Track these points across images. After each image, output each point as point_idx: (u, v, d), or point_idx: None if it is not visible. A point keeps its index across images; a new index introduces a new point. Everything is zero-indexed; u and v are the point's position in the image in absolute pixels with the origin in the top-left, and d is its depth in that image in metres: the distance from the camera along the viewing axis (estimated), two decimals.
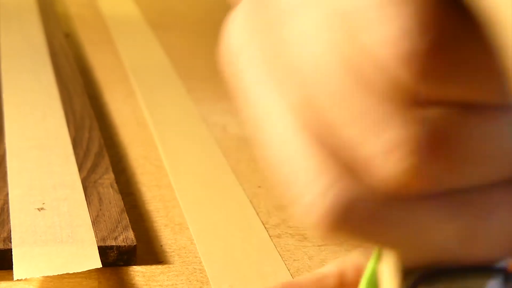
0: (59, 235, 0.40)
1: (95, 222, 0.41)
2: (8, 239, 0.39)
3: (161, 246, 0.42)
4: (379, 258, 0.29)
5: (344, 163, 0.22)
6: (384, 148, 0.21)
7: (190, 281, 0.38)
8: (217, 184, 0.48)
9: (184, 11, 0.90)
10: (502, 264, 0.30)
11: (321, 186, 0.22)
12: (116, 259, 0.39)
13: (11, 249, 0.38)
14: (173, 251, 0.41)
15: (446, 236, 0.23)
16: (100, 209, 0.43)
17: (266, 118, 0.24)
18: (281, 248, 0.42)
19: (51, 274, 0.37)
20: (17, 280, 0.37)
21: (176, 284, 0.38)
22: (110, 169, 0.48)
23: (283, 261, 0.40)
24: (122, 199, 0.44)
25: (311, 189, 0.22)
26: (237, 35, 0.24)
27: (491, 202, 0.22)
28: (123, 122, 0.58)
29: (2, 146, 0.50)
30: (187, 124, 0.58)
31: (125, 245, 0.39)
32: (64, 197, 0.44)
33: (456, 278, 0.30)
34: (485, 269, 0.30)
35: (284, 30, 0.22)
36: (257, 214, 0.45)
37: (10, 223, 0.41)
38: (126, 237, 0.40)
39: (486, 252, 0.24)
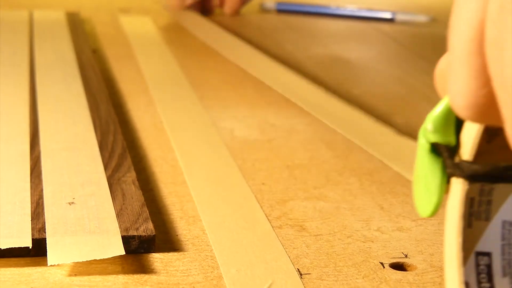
0: (87, 226, 0.40)
1: (119, 215, 0.41)
2: (43, 229, 0.39)
3: (177, 236, 0.42)
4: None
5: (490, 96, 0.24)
6: None
7: (202, 266, 0.38)
8: (226, 181, 0.48)
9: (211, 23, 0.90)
10: None
11: (466, 104, 0.24)
12: (137, 247, 0.39)
13: (46, 238, 0.38)
14: (187, 240, 0.41)
15: None
16: (123, 203, 0.43)
17: (460, 13, 0.24)
18: (282, 238, 0.42)
19: (80, 260, 0.37)
20: (51, 265, 0.37)
21: (190, 269, 0.38)
22: (132, 168, 0.48)
23: (284, 248, 0.40)
24: (143, 194, 0.44)
25: (461, 98, 0.24)
26: None
27: None
28: (143, 127, 0.58)
29: (37, 148, 0.50)
30: (199, 128, 0.58)
31: (145, 235, 0.39)
32: (91, 193, 0.44)
33: None
34: None
35: None
36: (261, 207, 0.45)
37: (44, 215, 0.41)
38: (146, 228, 0.40)
39: None
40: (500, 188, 0.29)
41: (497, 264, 0.29)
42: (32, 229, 0.39)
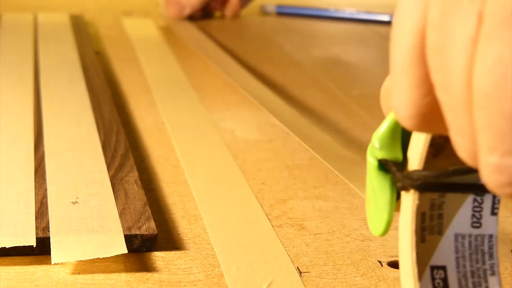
0: (91, 225, 0.40)
1: (121, 214, 0.41)
2: (47, 228, 0.39)
3: (179, 234, 0.42)
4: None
5: (432, 106, 0.23)
6: (492, 167, 0.20)
7: (203, 265, 0.38)
8: (227, 181, 0.48)
9: (197, 33, 0.90)
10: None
11: (408, 114, 0.24)
12: (139, 246, 0.39)
13: (49, 237, 0.38)
14: (189, 239, 0.41)
15: None
16: (126, 203, 0.43)
17: (401, 23, 0.24)
18: (282, 236, 0.42)
19: (83, 258, 0.37)
20: (55, 264, 0.37)
21: (191, 268, 0.38)
22: (135, 168, 0.48)
23: (284, 247, 0.40)
24: (145, 194, 0.44)
25: (404, 108, 0.24)
26: None
27: None
28: (145, 128, 0.58)
29: (41, 148, 0.50)
30: (200, 129, 0.58)
31: (147, 234, 0.39)
32: (95, 192, 0.44)
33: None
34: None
35: None
36: (261, 207, 0.45)
37: (48, 214, 0.41)
38: (148, 227, 0.40)
39: None
40: (450, 201, 0.29)
41: (453, 277, 0.29)
42: (36, 228, 0.39)
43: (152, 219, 0.41)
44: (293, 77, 0.74)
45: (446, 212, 0.29)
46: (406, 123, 0.24)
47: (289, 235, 0.42)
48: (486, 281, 0.29)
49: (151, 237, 0.39)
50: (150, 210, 0.42)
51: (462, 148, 0.22)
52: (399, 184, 0.29)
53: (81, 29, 0.86)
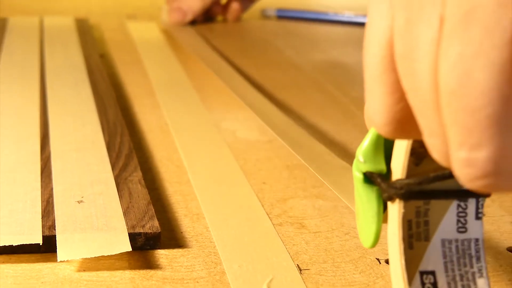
0: (96, 223, 0.40)
1: (126, 213, 0.41)
2: (53, 227, 0.39)
3: (181, 233, 0.42)
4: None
5: (405, 115, 0.24)
6: (464, 162, 0.20)
7: (206, 262, 0.38)
8: (228, 181, 0.48)
9: (200, 38, 0.91)
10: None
11: (383, 120, 0.24)
12: (143, 244, 0.39)
13: (55, 235, 0.39)
14: (191, 237, 0.41)
15: None
16: (130, 202, 0.43)
17: (372, 34, 0.24)
18: (282, 235, 0.42)
19: (89, 256, 0.37)
20: (60, 261, 0.37)
21: (194, 265, 0.38)
22: (138, 168, 0.48)
23: (284, 245, 0.40)
24: (148, 193, 0.44)
25: (378, 114, 0.24)
26: None
27: None
28: (149, 129, 0.58)
29: (47, 149, 0.50)
30: (202, 130, 0.58)
31: (151, 232, 0.39)
32: (99, 191, 0.44)
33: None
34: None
35: None
36: (262, 206, 0.45)
37: (54, 213, 0.41)
38: (152, 225, 0.40)
39: None
40: (434, 208, 0.29)
41: (442, 281, 0.29)
42: (43, 226, 0.39)
43: (155, 218, 0.41)
44: (293, 79, 0.74)
45: (432, 218, 0.29)
46: (383, 131, 0.25)
47: (289, 233, 0.42)
48: (475, 284, 0.29)
49: (154, 235, 0.39)
50: (153, 209, 0.42)
51: (435, 149, 0.23)
52: (385, 195, 0.29)
53: (86, 33, 0.86)
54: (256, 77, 0.74)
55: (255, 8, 1.05)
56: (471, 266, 0.29)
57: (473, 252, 0.29)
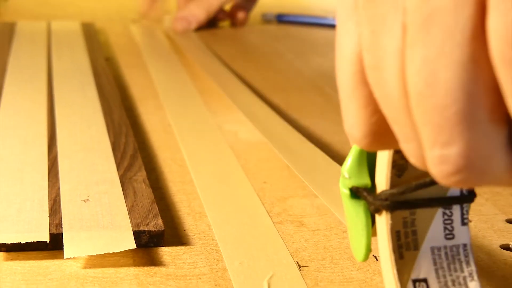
0: (101, 222, 0.40)
1: (130, 211, 0.41)
2: (60, 225, 0.39)
3: (184, 230, 0.42)
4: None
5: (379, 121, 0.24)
6: (438, 159, 0.21)
7: (208, 259, 0.38)
8: (230, 180, 0.48)
9: (202, 42, 0.91)
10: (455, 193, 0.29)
11: (361, 133, 0.24)
12: (147, 241, 0.39)
13: (62, 233, 0.39)
14: (194, 235, 0.41)
15: None
16: (135, 201, 0.43)
17: (342, 51, 0.24)
18: (282, 232, 0.42)
19: (94, 253, 0.37)
20: (67, 258, 0.37)
21: (196, 262, 0.38)
22: (143, 168, 0.48)
23: (284, 243, 0.40)
24: (152, 192, 0.44)
25: (356, 128, 0.24)
26: None
27: None
28: (153, 130, 0.58)
29: (54, 149, 0.50)
30: (205, 131, 0.58)
31: (155, 230, 0.39)
32: (105, 190, 0.44)
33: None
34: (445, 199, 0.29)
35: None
36: (263, 204, 0.45)
37: (61, 212, 0.41)
38: (156, 224, 0.40)
39: None
40: (421, 217, 0.29)
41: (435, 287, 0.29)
42: (50, 224, 0.39)
43: (159, 216, 0.41)
44: (292, 82, 0.74)
45: (419, 228, 0.29)
46: (362, 144, 0.25)
47: (289, 231, 0.42)
48: (467, 287, 0.29)
49: (158, 233, 0.39)
50: (157, 208, 0.42)
51: (411, 154, 0.23)
52: (372, 207, 0.30)
53: (92, 37, 0.86)
54: (256, 80, 0.74)
55: (256, 13, 1.05)
56: (462, 271, 0.30)
57: (462, 257, 0.30)
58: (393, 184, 0.29)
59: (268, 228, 0.42)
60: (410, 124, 0.22)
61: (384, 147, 0.25)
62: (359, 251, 0.32)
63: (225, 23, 1.01)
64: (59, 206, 0.42)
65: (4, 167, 0.47)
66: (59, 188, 0.44)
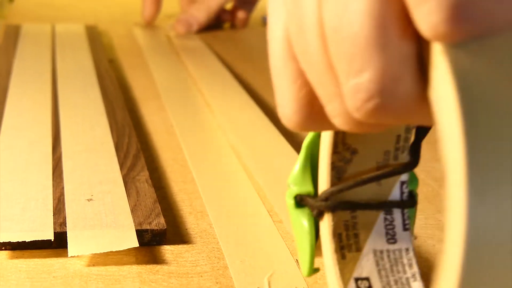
0: (104, 220, 0.40)
1: (133, 210, 0.41)
2: (64, 224, 0.39)
3: (186, 229, 0.42)
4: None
5: (311, 92, 0.24)
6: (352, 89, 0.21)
7: (209, 258, 0.38)
8: (231, 180, 0.48)
9: (203, 44, 0.91)
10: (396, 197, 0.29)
11: (292, 110, 0.24)
12: (150, 240, 0.39)
13: (66, 231, 0.39)
14: (196, 234, 0.41)
15: None
16: (137, 200, 0.43)
17: (272, 28, 0.25)
18: (282, 231, 0.42)
19: (98, 252, 0.37)
20: (71, 256, 0.37)
21: (198, 260, 0.38)
22: (145, 168, 0.48)
23: (284, 241, 0.40)
24: (155, 192, 0.44)
25: (287, 106, 0.25)
26: None
27: None
28: (155, 131, 0.58)
29: (59, 150, 0.50)
30: (206, 131, 0.58)
31: (157, 229, 0.39)
32: (108, 190, 0.44)
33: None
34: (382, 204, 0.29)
35: None
36: (263, 204, 0.45)
37: (65, 211, 0.41)
38: (158, 222, 0.40)
39: None
40: (362, 221, 0.30)
41: (377, 286, 0.29)
42: (54, 223, 0.39)
43: (161, 215, 0.41)
44: None
45: (361, 231, 0.30)
46: (293, 122, 0.25)
47: (289, 230, 0.42)
48: (410, 287, 0.29)
49: (160, 231, 0.39)
50: (159, 207, 0.42)
51: (335, 113, 0.23)
52: (315, 211, 0.30)
53: (95, 39, 0.86)
54: (256, 81, 0.74)
55: (256, 15, 1.05)
56: (405, 273, 0.29)
57: (405, 261, 0.30)
58: (333, 185, 0.29)
59: (269, 227, 0.42)
60: (331, 78, 0.22)
61: (314, 125, 0.25)
62: (303, 265, 0.32)
63: (227, 25, 1.01)
64: (63, 205, 0.42)
65: (9, 167, 0.47)
66: (63, 188, 0.44)
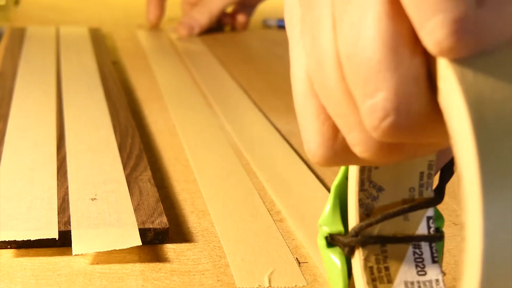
0: (108, 219, 0.40)
1: (136, 209, 0.41)
2: (68, 222, 0.39)
3: (188, 228, 0.42)
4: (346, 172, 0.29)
5: (334, 126, 0.25)
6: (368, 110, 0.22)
7: (211, 256, 0.38)
8: (232, 179, 0.48)
9: (204, 46, 0.91)
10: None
11: (317, 144, 0.25)
12: (153, 238, 0.39)
13: (71, 230, 0.39)
14: (197, 232, 0.41)
15: None
16: (140, 199, 0.43)
17: (294, 70, 0.26)
18: (282, 230, 0.42)
19: (101, 250, 0.37)
20: (75, 255, 0.37)
21: (200, 258, 0.38)
22: (148, 167, 0.48)
23: (284, 240, 0.40)
24: (158, 191, 0.44)
25: (312, 141, 0.25)
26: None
27: None
28: (158, 131, 0.58)
29: (63, 150, 0.50)
30: (207, 132, 0.58)
31: (160, 228, 0.39)
32: (112, 189, 0.44)
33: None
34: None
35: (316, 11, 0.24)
36: (264, 203, 0.45)
37: (69, 210, 0.41)
38: (161, 221, 0.40)
39: None
40: (392, 255, 0.30)
41: None
42: (59, 222, 0.39)
43: (164, 214, 0.41)
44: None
45: (391, 265, 0.30)
46: (318, 155, 0.26)
47: (289, 228, 0.42)
48: None
49: (163, 230, 0.39)
50: (162, 206, 0.42)
51: (355, 142, 0.24)
52: (346, 249, 0.30)
53: (99, 41, 0.86)
54: (257, 83, 0.74)
55: (257, 18, 1.05)
56: None
57: None
58: (361, 221, 0.30)
59: (269, 225, 0.42)
60: (349, 107, 0.23)
61: (338, 158, 0.25)
62: None
63: (227, 28, 1.01)
64: (68, 204, 0.42)
65: (15, 167, 0.47)
66: (67, 187, 0.44)
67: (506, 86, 0.19)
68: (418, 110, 0.21)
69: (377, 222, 0.29)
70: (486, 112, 0.18)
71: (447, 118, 0.20)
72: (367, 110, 0.21)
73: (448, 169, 0.30)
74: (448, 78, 0.20)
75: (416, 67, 0.21)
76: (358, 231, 0.30)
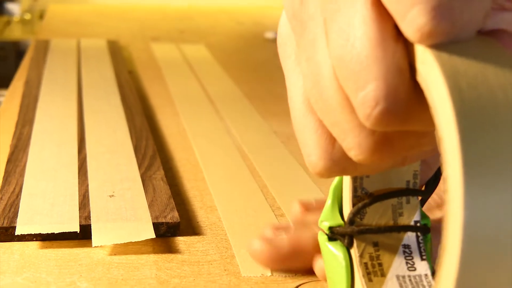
0: (125, 214, 0.40)
1: (150, 205, 0.41)
2: (88, 217, 0.39)
3: (198, 222, 0.42)
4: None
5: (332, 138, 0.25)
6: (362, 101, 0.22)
7: (218, 247, 0.38)
8: (237, 178, 0.48)
9: (212, 57, 0.91)
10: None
11: (317, 156, 0.25)
12: (165, 232, 0.39)
13: (91, 224, 0.39)
14: (206, 226, 0.41)
15: None
16: (154, 196, 0.43)
17: (291, 94, 0.26)
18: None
19: (119, 242, 0.37)
20: (95, 246, 0.37)
21: (208, 250, 0.38)
22: (161, 167, 0.48)
23: None
24: (170, 189, 0.44)
25: (313, 154, 0.25)
26: (284, 28, 0.26)
27: None
28: (170, 134, 0.58)
29: (84, 151, 0.50)
30: (215, 135, 0.58)
31: (172, 222, 0.39)
32: (128, 187, 0.44)
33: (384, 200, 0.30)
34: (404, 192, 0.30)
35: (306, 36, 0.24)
36: (266, 199, 0.45)
37: (90, 206, 0.41)
38: (173, 216, 0.40)
39: None
40: (384, 253, 0.30)
41: None
42: (80, 217, 0.39)
43: (175, 210, 0.41)
44: None
45: (384, 261, 0.30)
46: (319, 167, 0.25)
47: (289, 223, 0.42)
48: None
49: (174, 224, 0.39)
50: (174, 202, 0.42)
51: (350, 146, 0.23)
52: (346, 239, 0.30)
53: (116, 52, 0.86)
54: (256, 90, 0.74)
55: (259, 31, 1.05)
56: None
57: (425, 284, 0.30)
58: (355, 207, 0.30)
59: (271, 220, 0.42)
60: (343, 115, 0.23)
61: (337, 167, 0.25)
62: None
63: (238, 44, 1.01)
64: (88, 201, 0.42)
65: (40, 167, 0.47)
66: (87, 185, 0.44)
67: (477, 64, 0.19)
68: (404, 96, 0.21)
69: (370, 204, 0.29)
70: (461, 82, 0.19)
71: (427, 94, 0.20)
72: (359, 101, 0.22)
73: (432, 183, 0.31)
74: (426, 60, 0.20)
75: (399, 58, 0.21)
76: (354, 213, 0.29)
